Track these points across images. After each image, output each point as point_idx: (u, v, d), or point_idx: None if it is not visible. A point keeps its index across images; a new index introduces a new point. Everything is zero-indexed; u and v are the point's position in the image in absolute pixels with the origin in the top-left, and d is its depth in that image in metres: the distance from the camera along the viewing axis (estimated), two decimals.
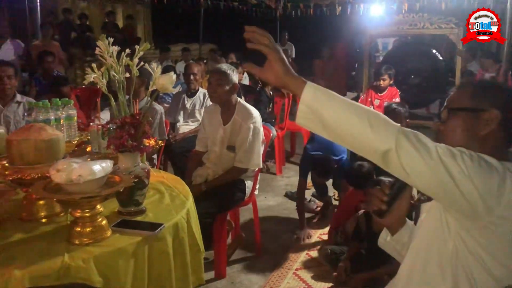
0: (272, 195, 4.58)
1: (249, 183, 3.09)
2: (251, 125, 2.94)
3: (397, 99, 5.25)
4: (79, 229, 1.59)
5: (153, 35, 13.10)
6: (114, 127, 1.77)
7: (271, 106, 5.41)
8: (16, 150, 1.73)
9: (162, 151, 3.85)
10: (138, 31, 12.00)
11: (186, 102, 4.66)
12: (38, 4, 8.08)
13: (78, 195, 1.52)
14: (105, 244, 1.58)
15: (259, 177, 3.22)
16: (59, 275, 1.43)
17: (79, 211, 1.58)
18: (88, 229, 1.59)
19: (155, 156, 3.73)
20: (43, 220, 1.80)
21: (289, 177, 5.12)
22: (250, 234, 3.55)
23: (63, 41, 7.88)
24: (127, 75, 1.81)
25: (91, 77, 1.75)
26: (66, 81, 5.47)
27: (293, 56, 9.81)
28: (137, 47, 1.86)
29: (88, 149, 2.14)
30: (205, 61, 7.45)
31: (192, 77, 4.58)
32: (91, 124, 2.13)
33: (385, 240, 1.55)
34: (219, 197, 2.87)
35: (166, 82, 1.75)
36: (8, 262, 1.45)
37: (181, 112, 4.66)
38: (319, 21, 11.21)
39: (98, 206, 1.62)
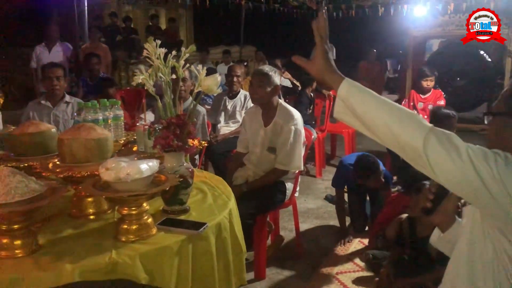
0: (312, 197, 4.55)
1: (289, 185, 3.08)
2: (293, 127, 2.93)
3: (442, 102, 5.11)
4: (125, 226, 1.63)
5: (195, 38, 13.31)
6: (160, 127, 1.80)
7: (311, 107, 5.38)
8: (67, 149, 1.80)
9: (204, 151, 3.90)
10: (180, 34, 12.23)
11: (227, 103, 4.71)
12: (86, 8, 8.37)
13: (126, 193, 1.56)
14: (150, 241, 1.61)
15: (299, 179, 3.21)
16: (107, 271, 1.47)
17: (126, 208, 1.62)
18: (134, 227, 1.63)
19: (196, 156, 3.79)
20: (91, 217, 1.86)
21: (329, 180, 5.04)
22: (289, 236, 3.54)
23: (109, 44, 8.12)
24: (174, 76, 1.84)
25: (139, 78, 1.79)
26: (112, 83, 5.65)
27: (334, 57, 9.68)
28: (183, 49, 1.89)
29: (135, 148, 2.20)
30: (246, 63, 7.49)
31: (235, 78, 4.62)
32: (137, 124, 2.18)
33: (437, 237, 1.55)
34: (260, 198, 2.88)
35: (211, 83, 1.78)
36: (59, 256, 1.50)
37: (222, 114, 4.71)
38: (360, 23, 11.06)
39: (145, 204, 1.66)
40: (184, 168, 1.84)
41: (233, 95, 4.71)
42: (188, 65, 1.92)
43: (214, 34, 13.09)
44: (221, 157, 4.33)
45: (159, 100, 1.87)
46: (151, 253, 1.56)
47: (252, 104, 4.55)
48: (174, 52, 1.89)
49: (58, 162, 1.89)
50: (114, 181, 1.57)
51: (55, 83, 3.88)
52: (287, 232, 3.61)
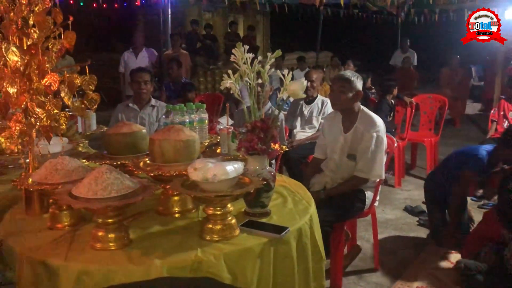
0: (390, 208, 4.40)
1: (369, 194, 3.00)
2: (374, 134, 2.85)
3: None
4: (210, 226, 1.67)
5: (271, 44, 13.45)
6: (245, 130, 1.84)
7: (392, 115, 5.22)
8: (157, 149, 1.88)
9: (280, 156, 3.92)
10: (257, 40, 12.41)
11: (303, 109, 4.69)
12: (169, 16, 8.77)
13: (212, 193, 1.60)
14: (234, 242, 1.64)
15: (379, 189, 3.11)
16: (192, 268, 1.52)
17: (211, 208, 1.67)
18: (218, 227, 1.67)
19: (273, 161, 3.81)
20: (176, 215, 1.93)
21: (409, 190, 4.88)
22: (366, 246, 3.45)
23: (190, 50, 8.44)
24: (260, 81, 1.87)
25: (227, 82, 1.84)
26: (193, 87, 5.86)
27: (415, 63, 9.36)
28: (269, 54, 1.91)
29: (218, 150, 2.25)
30: (324, 69, 7.44)
31: (311, 84, 4.60)
32: (220, 128, 2.24)
33: None
34: (338, 206, 2.83)
35: (297, 88, 1.78)
36: (149, 252, 1.58)
37: (299, 119, 4.71)
38: (444, 27, 10.57)
39: (229, 205, 1.69)
40: (266, 171, 1.86)
41: (309, 100, 4.69)
42: (273, 69, 1.93)
43: (289, 40, 13.15)
44: (297, 163, 4.32)
45: (244, 104, 1.91)
46: (234, 253, 1.59)
47: (329, 110, 4.54)
48: (260, 57, 1.92)
49: (148, 161, 1.99)
50: (202, 181, 1.62)
51: (142, 87, 4.09)
52: (364, 242, 3.52)
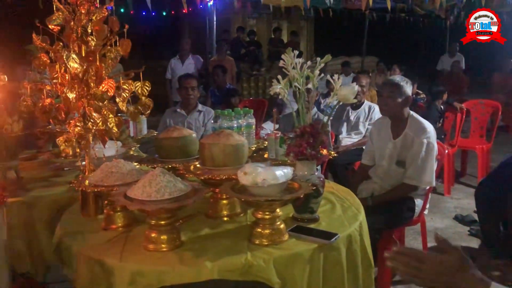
0: (439, 216, 4.26)
1: (419, 202, 2.93)
2: (425, 140, 2.78)
3: None
4: (259, 230, 1.68)
5: (315, 49, 13.39)
6: (294, 135, 1.84)
7: (441, 121, 5.06)
8: (207, 153, 1.92)
9: (326, 162, 3.88)
10: (301, 46, 12.40)
11: (350, 114, 4.64)
12: (215, 23, 8.92)
13: (262, 198, 1.61)
14: (283, 247, 1.64)
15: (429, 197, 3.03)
16: (243, 271, 1.53)
17: (260, 213, 1.67)
18: (267, 231, 1.68)
19: (318, 167, 3.78)
20: (225, 219, 1.96)
21: (459, 199, 4.71)
22: None
23: (234, 56, 8.54)
24: (309, 86, 1.87)
25: (277, 88, 1.85)
26: (237, 93, 5.92)
27: (463, 68, 9.06)
28: (318, 59, 1.91)
29: (265, 155, 2.27)
30: (370, 74, 7.34)
31: (360, 89, 4.54)
32: (267, 132, 2.25)
33: None
34: (387, 214, 2.77)
35: (348, 93, 1.77)
36: (200, 254, 1.60)
37: (344, 124, 4.65)
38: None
39: (278, 210, 1.69)
40: (315, 177, 1.85)
41: (356, 105, 4.63)
42: (322, 75, 1.93)
43: (333, 45, 13.02)
44: (342, 169, 4.28)
45: (293, 109, 1.91)
46: (283, 258, 1.59)
47: (377, 116, 4.46)
48: (309, 62, 1.92)
49: (198, 165, 2.02)
50: (251, 185, 1.63)
51: (190, 93, 4.18)
52: None
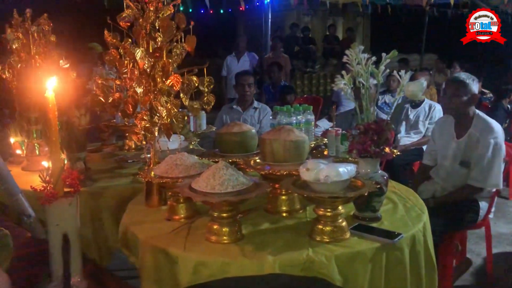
0: (504, 221, 4.06)
1: (483, 205, 2.80)
2: (492, 140, 2.66)
3: None
4: (321, 226, 1.67)
5: (371, 46, 13.10)
6: (357, 132, 1.81)
7: (507, 121, 4.82)
8: (268, 148, 1.93)
9: (385, 162, 3.80)
10: (357, 42, 12.17)
11: (409, 113, 4.51)
12: (270, 20, 8.94)
13: (326, 194, 1.60)
14: (344, 244, 1.63)
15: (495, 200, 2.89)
16: (304, 267, 1.53)
17: (322, 209, 1.66)
18: (328, 228, 1.66)
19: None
20: (284, 214, 1.96)
21: None
22: (476, 260, 3.22)
23: (288, 54, 8.52)
24: (374, 82, 1.83)
25: (340, 83, 1.83)
26: (292, 90, 5.91)
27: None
28: (383, 54, 1.87)
29: (325, 152, 2.25)
30: (431, 72, 7.10)
31: None
32: (329, 129, 2.23)
33: None
34: (449, 216, 2.67)
35: (416, 89, 1.72)
36: (261, 248, 1.62)
37: (403, 123, 4.53)
38: None
39: (340, 207, 1.68)
40: (379, 175, 1.81)
41: (416, 104, 4.49)
42: (388, 70, 1.89)
43: (390, 42, 12.68)
44: (401, 169, 4.16)
45: (357, 106, 1.88)
46: (345, 256, 1.57)
47: (438, 114, 4.31)
48: (374, 58, 1.88)
49: (258, 160, 2.04)
50: (313, 181, 1.62)
51: (246, 89, 4.23)
52: (474, 256, 3.29)
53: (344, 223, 1.69)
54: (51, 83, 1.49)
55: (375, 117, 1.92)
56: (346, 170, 1.63)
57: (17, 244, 1.75)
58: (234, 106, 4.34)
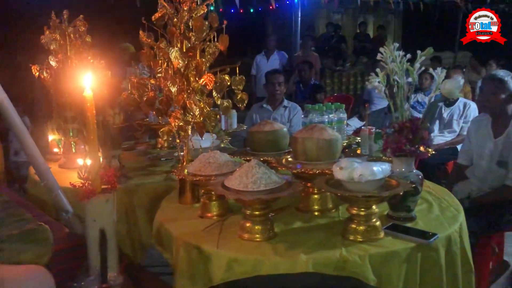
0: None
1: None
2: None
3: None
4: (354, 226, 1.66)
5: (402, 44, 12.87)
6: (392, 131, 1.79)
7: None
8: (300, 147, 1.92)
9: (417, 161, 3.73)
10: (388, 40, 11.99)
11: (443, 111, 4.41)
12: (300, 19, 8.91)
13: (360, 193, 1.58)
14: (378, 244, 1.61)
15: None
16: (337, 266, 1.52)
17: (355, 208, 1.65)
18: (362, 227, 1.65)
19: None
20: (316, 213, 1.95)
21: None
22: None
23: (318, 52, 8.46)
24: (410, 79, 1.81)
25: (375, 81, 1.80)
26: (322, 89, 5.88)
27: None
28: (418, 52, 1.84)
29: (358, 151, 2.23)
30: (464, 69, 6.92)
31: None
32: (362, 127, 2.20)
33: None
34: (486, 217, 2.60)
35: (453, 87, 1.68)
36: (294, 246, 1.62)
37: (437, 122, 4.43)
38: None
39: (374, 207, 1.66)
40: (414, 174, 1.79)
41: (450, 102, 4.38)
42: (423, 67, 1.85)
43: (422, 40, 12.42)
44: (434, 169, 4.08)
45: (392, 104, 1.86)
46: (379, 256, 1.55)
47: (472, 113, 4.20)
48: (408, 55, 1.85)
49: (290, 159, 2.04)
50: (347, 180, 1.61)
51: (276, 88, 4.22)
52: (511, 259, 3.19)
53: (378, 223, 1.67)
54: (89, 82, 1.53)
55: (409, 116, 1.88)
56: (380, 169, 1.61)
57: (56, 239, 1.81)
58: (264, 105, 4.34)
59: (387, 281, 1.54)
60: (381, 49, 1.84)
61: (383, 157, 1.96)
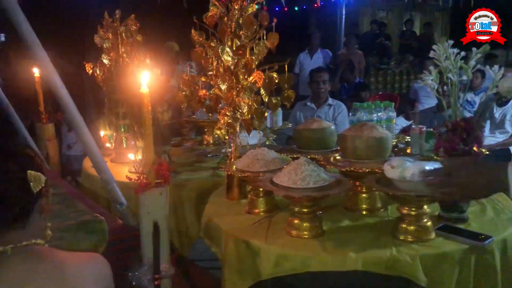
0: None
1: None
2: None
3: None
4: (404, 225, 1.63)
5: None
6: (445, 130, 1.75)
7: None
8: (350, 145, 1.91)
9: None
10: (435, 38, 11.65)
11: (494, 111, 4.26)
12: (344, 16, 8.81)
13: (411, 193, 1.56)
14: (430, 245, 1.58)
15: None
16: (387, 265, 1.51)
17: (406, 208, 1.63)
18: (412, 227, 1.62)
19: None
20: (364, 212, 1.93)
21: None
22: None
23: (363, 50, 8.34)
24: (464, 77, 1.76)
25: (428, 79, 1.77)
26: (367, 87, 5.80)
27: None
28: (474, 49, 1.79)
29: (408, 150, 2.19)
30: None
31: None
32: (413, 126, 2.17)
33: None
34: None
35: None
36: (343, 244, 1.61)
37: (488, 122, 4.28)
38: None
39: (425, 207, 1.63)
40: None
41: (502, 102, 4.23)
42: (478, 65, 1.80)
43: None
44: None
45: (444, 102, 1.82)
46: (431, 257, 1.53)
47: None
48: (463, 53, 1.81)
49: (338, 157, 2.03)
50: (399, 179, 1.59)
51: (321, 86, 4.20)
52: None
53: (429, 223, 1.64)
54: (146, 79, 1.58)
55: (461, 115, 1.84)
56: (433, 168, 1.57)
57: (109, 230, 1.88)
58: (308, 103, 4.33)
59: (439, 283, 1.51)
60: (434, 47, 1.80)
61: (434, 157, 1.92)
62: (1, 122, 3.44)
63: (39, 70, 3.14)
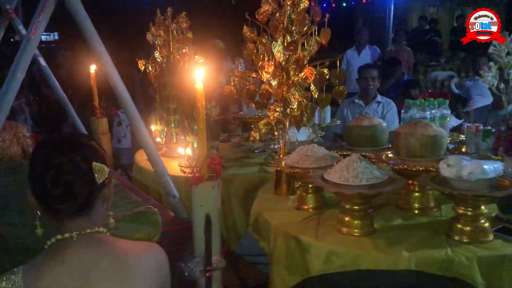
0: None
1: None
2: None
3: None
4: (460, 226, 1.59)
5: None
6: (505, 128, 1.68)
7: None
8: (403, 142, 1.88)
9: None
10: (503, 32, 11.18)
11: None
12: (392, 12, 8.60)
13: (468, 192, 1.51)
14: (487, 247, 1.53)
15: None
16: (442, 266, 1.47)
17: (462, 208, 1.58)
18: (469, 228, 1.57)
19: None
20: (416, 211, 1.89)
21: None
22: None
23: (412, 47, 8.12)
24: None
25: (488, 76, 1.71)
26: (417, 85, 5.64)
27: None
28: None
29: (463, 149, 2.12)
30: None
31: None
32: (469, 125, 2.10)
33: None
34: None
35: None
36: (395, 243, 1.59)
37: None
38: None
39: (483, 207, 1.57)
40: None
41: None
42: None
43: None
44: None
45: (504, 100, 1.75)
46: (489, 259, 1.48)
47: None
48: None
49: (390, 155, 1.99)
50: (455, 178, 1.55)
51: (370, 83, 4.12)
52: None
53: (486, 224, 1.58)
54: (200, 75, 1.61)
55: None
56: (492, 167, 1.52)
57: (162, 222, 1.94)
58: (356, 100, 4.26)
59: (497, 286, 1.45)
60: (494, 42, 1.74)
61: (492, 156, 1.85)
62: (63, 117, 3.59)
63: (99, 66, 3.25)
